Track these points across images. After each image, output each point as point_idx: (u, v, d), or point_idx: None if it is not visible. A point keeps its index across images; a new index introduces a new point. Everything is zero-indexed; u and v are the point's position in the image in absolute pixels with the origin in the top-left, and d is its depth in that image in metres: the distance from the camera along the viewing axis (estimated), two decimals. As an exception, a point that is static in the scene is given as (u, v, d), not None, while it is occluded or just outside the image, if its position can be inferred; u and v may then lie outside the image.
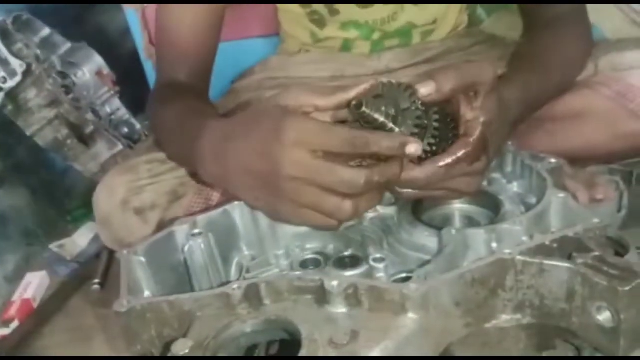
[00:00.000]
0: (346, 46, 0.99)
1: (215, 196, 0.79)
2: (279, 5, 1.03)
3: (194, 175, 0.77)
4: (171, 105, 0.77)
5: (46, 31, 1.29)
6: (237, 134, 0.57)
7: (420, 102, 0.55)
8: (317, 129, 0.52)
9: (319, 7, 0.94)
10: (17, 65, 1.22)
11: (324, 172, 0.52)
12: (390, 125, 0.54)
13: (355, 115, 0.54)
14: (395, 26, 0.95)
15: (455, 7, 1.00)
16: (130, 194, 0.78)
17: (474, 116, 0.57)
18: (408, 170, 0.56)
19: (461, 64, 0.58)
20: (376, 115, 0.54)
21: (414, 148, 0.52)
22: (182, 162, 0.77)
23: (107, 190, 0.80)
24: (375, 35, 0.96)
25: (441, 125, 0.56)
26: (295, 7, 0.96)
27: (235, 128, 0.58)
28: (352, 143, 0.51)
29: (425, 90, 0.55)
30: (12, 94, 1.26)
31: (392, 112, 0.54)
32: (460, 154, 0.57)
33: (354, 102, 0.54)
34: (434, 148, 0.57)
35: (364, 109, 0.53)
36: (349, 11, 0.93)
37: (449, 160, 0.57)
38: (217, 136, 0.60)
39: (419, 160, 0.57)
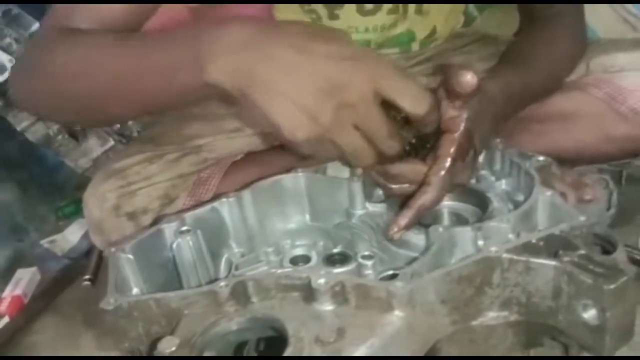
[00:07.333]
0: None
1: (207, 197, 0.79)
2: (276, 6, 1.01)
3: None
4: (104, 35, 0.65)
5: (36, 26, 1.28)
6: (315, 35, 0.54)
7: None
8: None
9: (318, 7, 0.90)
10: (7, 60, 1.21)
11: (377, 119, 0.53)
12: None
13: None
14: (393, 33, 0.92)
15: (456, 14, 0.98)
16: (121, 199, 0.77)
17: (456, 113, 0.57)
18: (422, 194, 0.58)
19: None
20: None
21: None
22: (156, 75, 0.60)
23: (98, 196, 0.78)
24: (373, 45, 0.93)
25: None
26: (293, 8, 0.93)
27: (313, 32, 0.55)
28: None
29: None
30: (1, 89, 1.25)
31: None
32: (452, 152, 0.57)
33: None
34: (418, 141, 0.59)
35: None
36: (349, 17, 0.89)
37: (447, 163, 0.58)
38: (269, 31, 0.55)
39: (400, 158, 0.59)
